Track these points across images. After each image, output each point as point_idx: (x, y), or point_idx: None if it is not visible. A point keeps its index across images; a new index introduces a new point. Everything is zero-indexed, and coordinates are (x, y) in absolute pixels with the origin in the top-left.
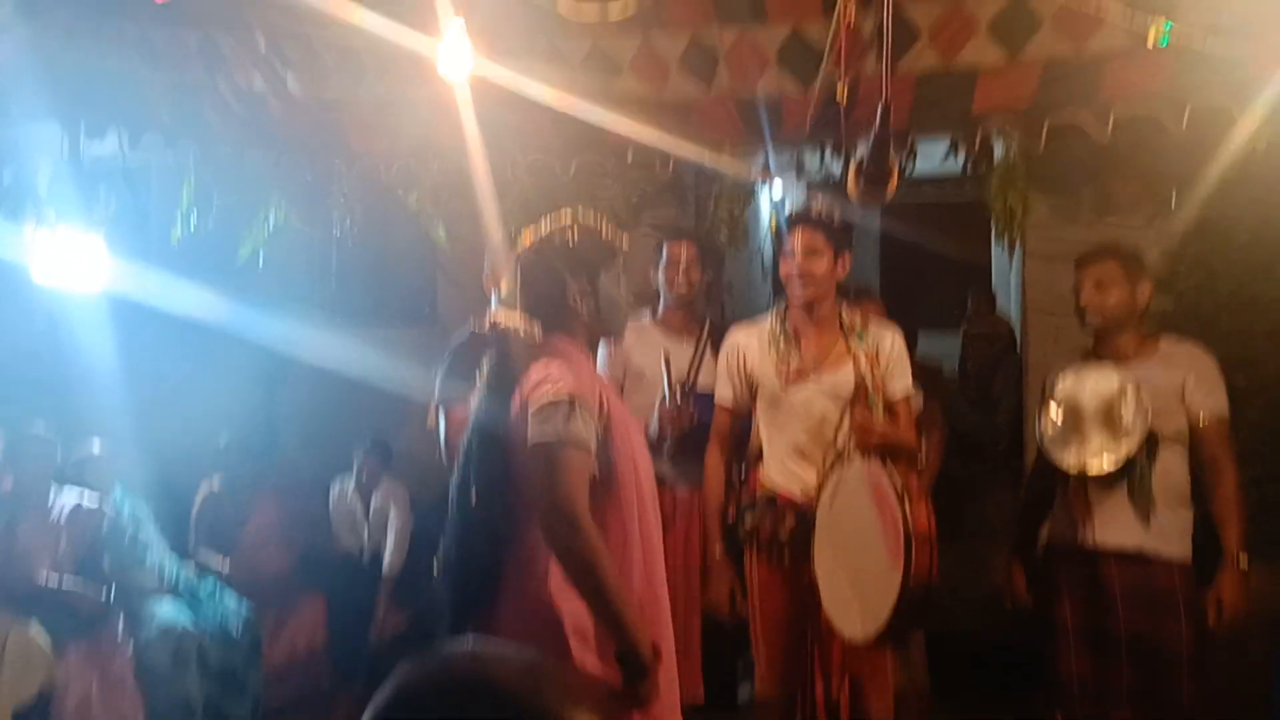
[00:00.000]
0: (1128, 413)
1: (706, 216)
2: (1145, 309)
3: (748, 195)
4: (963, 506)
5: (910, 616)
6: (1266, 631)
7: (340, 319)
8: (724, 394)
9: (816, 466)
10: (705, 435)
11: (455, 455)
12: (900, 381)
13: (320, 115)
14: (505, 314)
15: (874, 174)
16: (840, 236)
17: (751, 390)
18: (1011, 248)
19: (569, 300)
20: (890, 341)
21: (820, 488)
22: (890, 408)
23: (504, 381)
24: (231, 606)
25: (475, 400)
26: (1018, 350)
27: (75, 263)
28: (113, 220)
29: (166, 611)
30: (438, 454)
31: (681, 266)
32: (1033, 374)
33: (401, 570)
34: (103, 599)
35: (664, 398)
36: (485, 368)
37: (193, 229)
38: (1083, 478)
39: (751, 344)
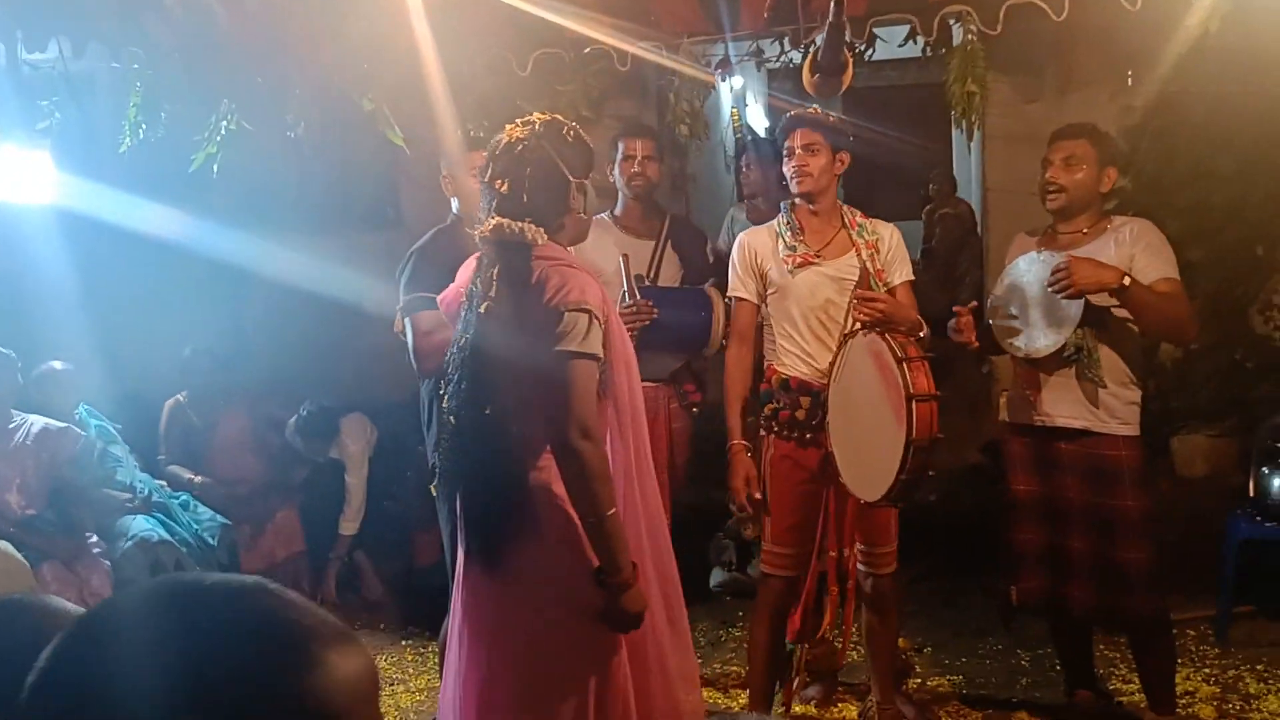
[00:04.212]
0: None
1: (668, 110)
2: (1107, 193)
3: (707, 88)
4: None
5: (916, 471)
6: (1219, 493)
7: (302, 226)
8: (738, 289)
9: (826, 348)
10: (665, 332)
11: (428, 361)
12: (902, 268)
13: (268, 19)
14: (508, 220)
15: (828, 65)
16: (838, 135)
17: (764, 282)
18: (970, 131)
19: (569, 200)
20: (890, 233)
21: (831, 366)
22: (892, 292)
23: (513, 290)
24: (206, 517)
25: (476, 309)
26: (979, 231)
27: (22, 177)
28: (58, 133)
29: (141, 526)
30: (406, 358)
31: (638, 160)
32: (994, 253)
33: (368, 490)
34: (73, 524)
35: (623, 297)
36: (488, 276)
37: (142, 138)
38: (1031, 359)
39: (761, 239)
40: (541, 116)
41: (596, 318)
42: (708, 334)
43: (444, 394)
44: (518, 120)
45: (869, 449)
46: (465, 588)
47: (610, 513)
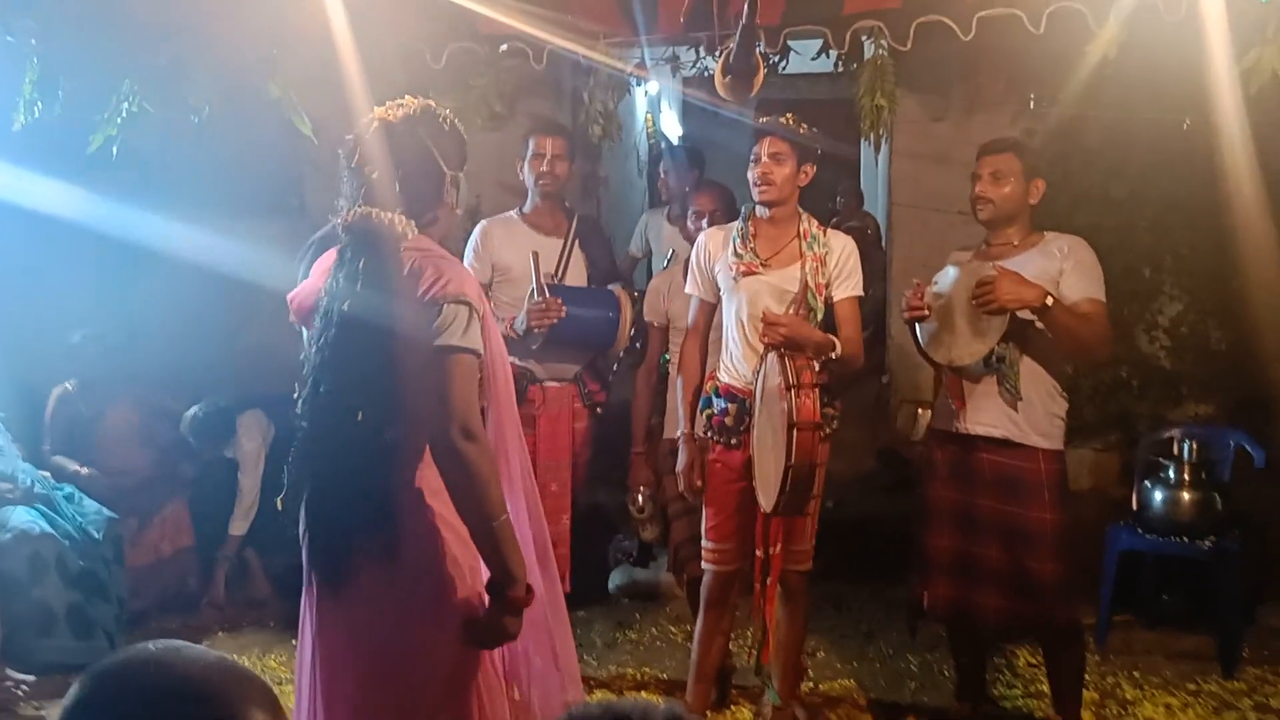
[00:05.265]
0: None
1: (581, 111)
2: (1034, 205)
3: (621, 88)
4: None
5: (797, 491)
6: (1102, 506)
7: (203, 211)
8: (691, 286)
9: (758, 357)
10: (572, 330)
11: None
12: (847, 283)
13: None
14: (378, 210)
15: (740, 68)
16: (805, 148)
17: (715, 284)
18: (877, 144)
19: (444, 193)
20: (842, 247)
21: (755, 375)
22: (835, 307)
23: (381, 284)
24: (91, 510)
25: (338, 300)
26: (883, 245)
27: None
28: None
29: (21, 517)
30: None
31: (548, 159)
32: (896, 266)
33: (262, 486)
34: None
35: (531, 293)
36: (352, 270)
37: (37, 116)
38: (954, 367)
39: (717, 241)
40: (415, 102)
41: (476, 311)
42: (613, 335)
43: (299, 399)
44: (389, 103)
45: (769, 461)
46: (320, 614)
47: (502, 518)
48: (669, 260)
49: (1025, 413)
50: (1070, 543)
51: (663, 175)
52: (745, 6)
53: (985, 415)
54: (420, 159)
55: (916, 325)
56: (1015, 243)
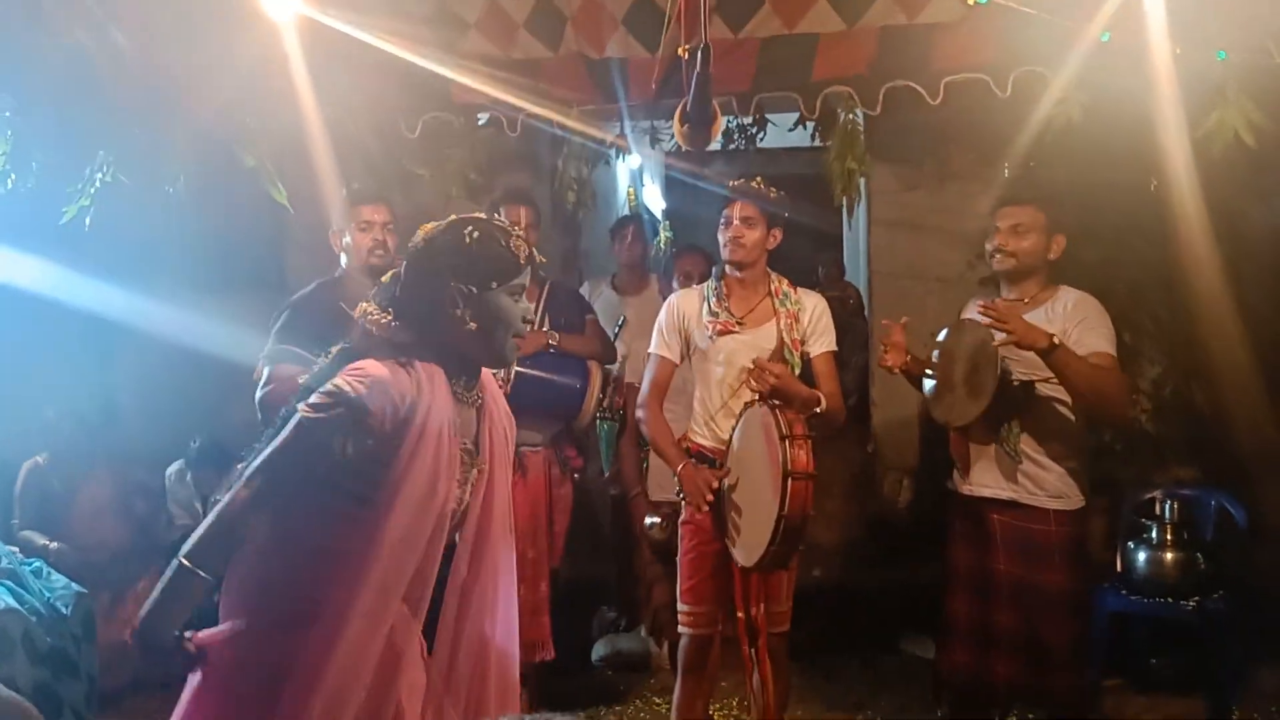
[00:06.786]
0: (984, 366)
1: (556, 179)
2: (1054, 260)
3: (595, 157)
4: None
5: (787, 543)
6: (1088, 569)
7: (180, 284)
8: (660, 346)
9: (733, 416)
10: (540, 394)
11: (274, 413)
12: (823, 338)
13: (148, 69)
14: (374, 308)
15: (697, 117)
16: (774, 213)
17: (687, 345)
18: (850, 209)
19: (448, 308)
20: (814, 304)
21: (731, 433)
22: (812, 363)
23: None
24: (59, 585)
25: (310, 378)
26: (865, 314)
27: None
28: None
29: None
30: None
31: (520, 228)
32: (877, 335)
33: None
34: None
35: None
36: (334, 349)
37: (10, 187)
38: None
39: (690, 301)
40: (463, 217)
41: (343, 406)
42: (579, 404)
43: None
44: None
45: (751, 517)
46: None
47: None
48: (620, 326)
49: (1030, 473)
50: (1083, 607)
51: (627, 239)
52: (699, 54)
53: (988, 476)
54: (430, 272)
55: (923, 380)
56: (1026, 299)
